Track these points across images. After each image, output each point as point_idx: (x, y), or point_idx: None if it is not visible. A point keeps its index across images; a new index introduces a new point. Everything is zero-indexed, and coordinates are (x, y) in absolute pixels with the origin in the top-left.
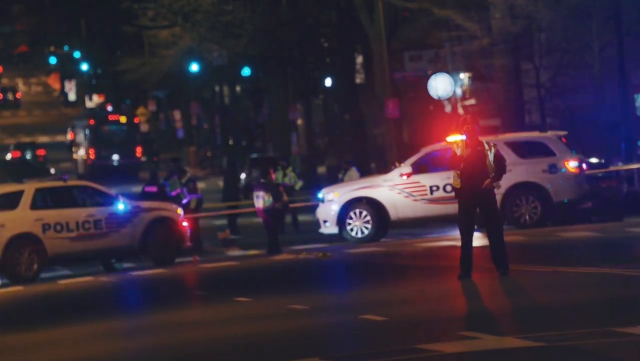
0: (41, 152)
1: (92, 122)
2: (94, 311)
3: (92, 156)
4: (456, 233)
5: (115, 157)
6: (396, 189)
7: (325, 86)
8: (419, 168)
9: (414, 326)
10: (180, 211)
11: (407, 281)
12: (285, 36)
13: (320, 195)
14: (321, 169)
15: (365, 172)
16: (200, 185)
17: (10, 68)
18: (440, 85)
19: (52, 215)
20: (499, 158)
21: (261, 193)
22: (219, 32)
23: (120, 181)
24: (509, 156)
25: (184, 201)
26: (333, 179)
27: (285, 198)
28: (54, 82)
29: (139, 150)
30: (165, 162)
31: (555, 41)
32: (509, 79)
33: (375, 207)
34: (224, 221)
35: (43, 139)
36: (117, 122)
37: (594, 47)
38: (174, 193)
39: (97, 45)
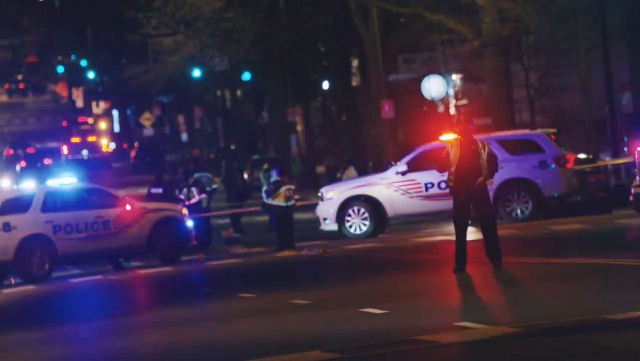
0: (31, 150)
1: (64, 123)
2: (104, 309)
3: (65, 152)
4: (451, 228)
5: (85, 152)
6: (393, 187)
7: (323, 89)
8: (414, 166)
9: (412, 318)
10: (185, 211)
11: (404, 275)
12: (284, 41)
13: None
14: (320, 169)
15: (362, 171)
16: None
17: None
18: (434, 86)
19: (62, 217)
20: (491, 156)
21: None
22: (220, 38)
23: (90, 173)
24: (500, 153)
25: (193, 201)
26: (332, 178)
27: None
28: (62, 90)
29: (104, 146)
30: (170, 164)
31: (543, 43)
32: (499, 80)
33: (372, 204)
34: (228, 220)
35: (52, 144)
36: (86, 123)
37: (580, 48)
38: (181, 196)
39: (103, 54)
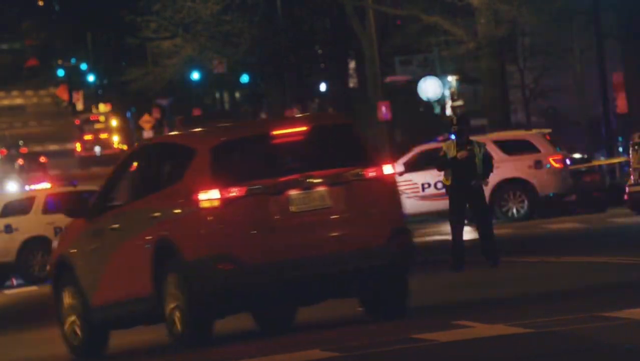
0: (24, 150)
1: (77, 122)
2: None
3: (78, 149)
4: (447, 228)
5: (97, 149)
6: None
7: (320, 91)
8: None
9: (410, 317)
10: None
11: None
12: (282, 44)
13: None
14: None
15: None
16: None
17: (22, 81)
18: (430, 88)
19: (63, 219)
20: (487, 157)
21: None
22: (219, 41)
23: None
24: (496, 153)
25: None
26: None
27: None
28: (62, 93)
29: (115, 142)
30: None
31: (538, 44)
32: (494, 81)
33: None
34: None
35: (53, 147)
36: (97, 121)
37: (575, 49)
38: None
39: (103, 57)
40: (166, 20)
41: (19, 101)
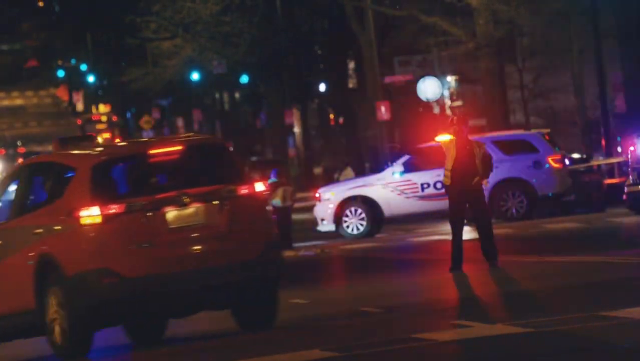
0: (21, 150)
1: (79, 122)
2: None
3: None
4: (446, 228)
5: None
6: (389, 187)
7: (320, 91)
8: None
9: (409, 317)
10: None
11: (401, 274)
12: (282, 44)
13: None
14: (317, 170)
15: (359, 172)
16: None
17: (22, 82)
18: (429, 88)
19: None
20: (486, 157)
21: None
22: (218, 41)
23: None
24: (495, 153)
25: None
26: (329, 179)
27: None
28: (62, 94)
29: (117, 141)
30: None
31: (537, 44)
32: (493, 81)
33: (369, 205)
34: None
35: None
36: (99, 121)
37: (573, 49)
38: None
39: (103, 58)
40: (166, 20)
41: (19, 101)
